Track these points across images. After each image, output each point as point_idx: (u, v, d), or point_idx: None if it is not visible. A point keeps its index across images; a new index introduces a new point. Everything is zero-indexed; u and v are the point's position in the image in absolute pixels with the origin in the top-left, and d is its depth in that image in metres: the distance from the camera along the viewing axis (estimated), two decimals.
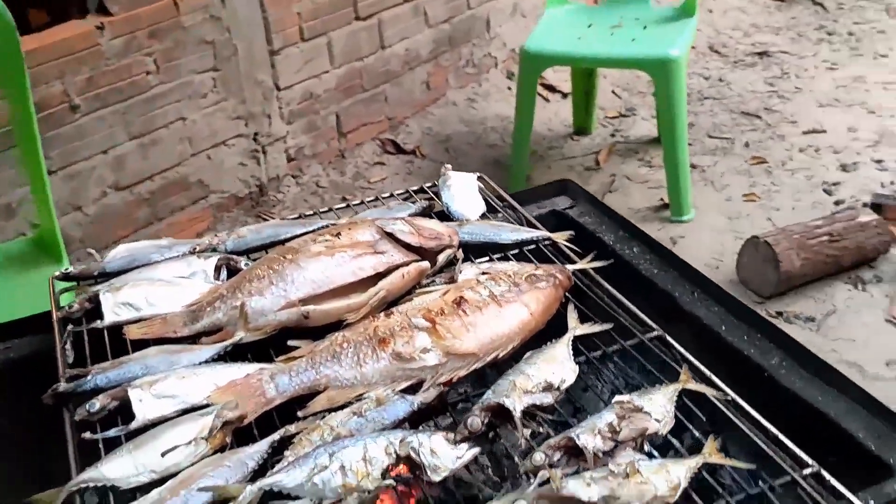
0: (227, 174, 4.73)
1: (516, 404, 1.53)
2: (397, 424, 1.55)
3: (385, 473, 1.44)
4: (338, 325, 1.79)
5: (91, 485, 1.47)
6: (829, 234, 4.09)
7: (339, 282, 1.81)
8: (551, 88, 5.84)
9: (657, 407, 1.51)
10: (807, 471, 1.42)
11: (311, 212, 2.30)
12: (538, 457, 1.44)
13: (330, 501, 1.39)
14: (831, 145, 5.09)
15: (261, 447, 1.51)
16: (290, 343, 1.77)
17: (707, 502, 1.39)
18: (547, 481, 1.40)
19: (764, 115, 5.47)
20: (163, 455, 1.48)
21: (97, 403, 1.60)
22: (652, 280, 2.01)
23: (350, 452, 1.44)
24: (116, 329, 1.85)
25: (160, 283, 1.92)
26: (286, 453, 1.50)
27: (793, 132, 5.27)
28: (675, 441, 1.51)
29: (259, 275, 1.85)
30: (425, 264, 1.89)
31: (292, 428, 1.55)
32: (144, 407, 1.59)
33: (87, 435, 1.58)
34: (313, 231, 2.04)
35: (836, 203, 4.62)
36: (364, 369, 1.65)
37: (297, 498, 1.41)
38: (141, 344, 1.79)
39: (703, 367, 1.63)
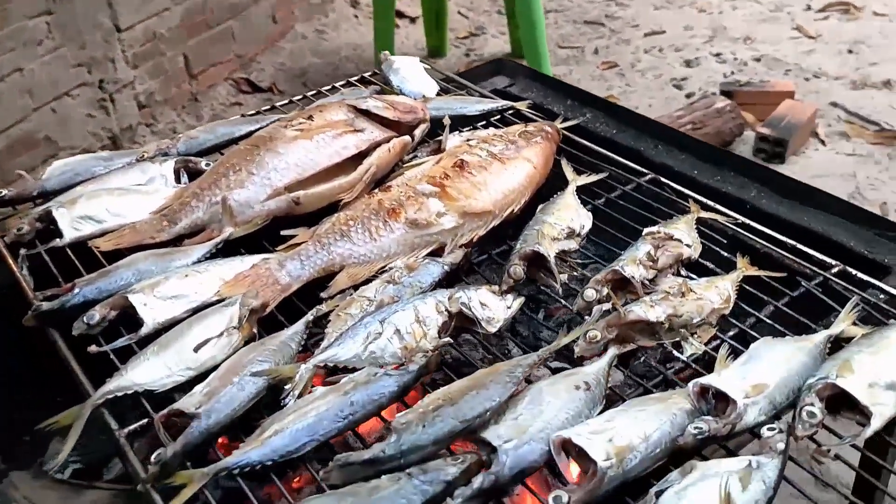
0: (75, 127, 4.35)
1: (549, 251, 1.52)
2: (433, 287, 1.50)
3: (441, 332, 1.39)
4: (330, 209, 1.70)
5: (119, 394, 1.32)
6: (692, 122, 4.31)
7: (324, 164, 1.72)
8: (399, 14, 5.75)
9: (684, 234, 1.54)
10: (833, 270, 1.50)
11: (255, 111, 2.16)
12: (589, 293, 1.43)
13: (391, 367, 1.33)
14: (672, 44, 5.34)
15: (297, 328, 1.42)
16: (284, 233, 1.67)
17: (756, 308, 1.43)
18: (606, 313, 1.40)
19: (606, 23, 5.65)
20: (196, 350, 1.36)
21: (96, 315, 1.44)
22: (614, 140, 2.03)
23: (401, 316, 1.38)
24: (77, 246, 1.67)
25: (119, 193, 1.74)
26: (327, 330, 1.42)
27: (636, 35, 5.48)
28: (707, 263, 1.54)
29: (235, 167, 1.72)
30: (407, 138, 1.82)
31: (323, 307, 1.47)
32: (151, 311, 1.45)
33: (94, 348, 1.42)
34: (271, 123, 1.91)
35: (688, 96, 4.85)
36: (380, 242, 1.58)
37: (353, 369, 1.33)
38: (113, 257, 1.62)
39: (704, 199, 1.68)
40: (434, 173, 1.67)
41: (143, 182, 1.80)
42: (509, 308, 1.44)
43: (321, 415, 1.23)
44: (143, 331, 1.44)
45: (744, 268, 1.50)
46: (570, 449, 1.16)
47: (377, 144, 1.77)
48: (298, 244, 1.60)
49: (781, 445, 1.13)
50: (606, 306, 1.41)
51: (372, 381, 1.27)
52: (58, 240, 1.67)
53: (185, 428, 1.26)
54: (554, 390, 1.24)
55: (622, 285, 1.46)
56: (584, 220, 1.62)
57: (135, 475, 1.22)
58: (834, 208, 1.76)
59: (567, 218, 1.60)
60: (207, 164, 1.85)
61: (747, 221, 1.62)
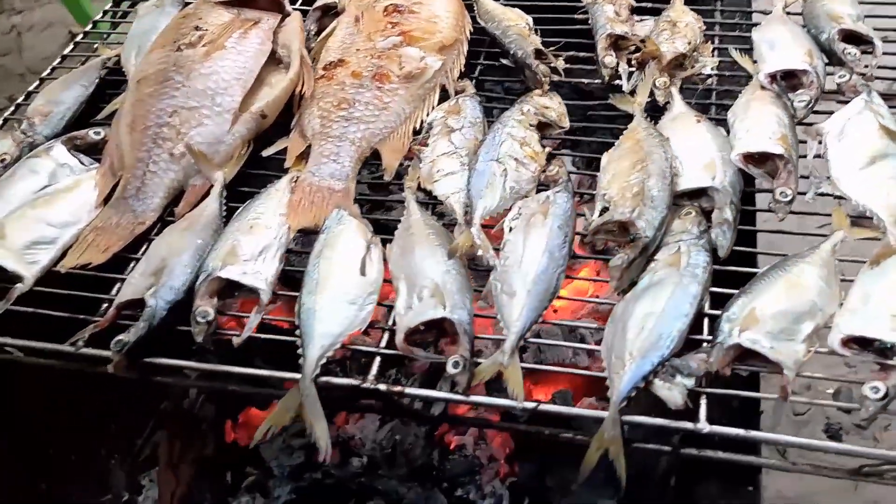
0: None
1: (538, 45, 1.57)
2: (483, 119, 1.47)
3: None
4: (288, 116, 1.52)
5: (330, 353, 1.14)
6: None
7: (257, 68, 1.51)
8: None
9: None
10: None
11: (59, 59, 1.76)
12: (608, 59, 1.54)
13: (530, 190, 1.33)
14: None
15: (416, 209, 1.31)
16: (267, 152, 1.48)
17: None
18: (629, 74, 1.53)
19: None
20: (363, 273, 1.21)
21: (208, 310, 1.19)
22: None
23: (507, 147, 1.36)
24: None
25: (43, 202, 1.36)
26: (440, 194, 1.34)
27: None
28: (645, 4, 1.70)
29: (165, 110, 1.44)
30: (297, 12, 1.66)
31: (411, 183, 1.37)
32: (254, 275, 1.23)
33: (237, 339, 1.18)
34: (150, 56, 1.57)
35: None
36: (391, 108, 1.48)
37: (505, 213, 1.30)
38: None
39: None
40: (378, 28, 1.57)
41: (48, 182, 1.41)
42: (561, 103, 1.49)
43: (547, 248, 1.21)
44: (264, 298, 1.22)
45: None
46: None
47: (277, 29, 1.59)
48: (303, 154, 1.44)
49: (862, 80, 1.40)
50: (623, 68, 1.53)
51: (550, 203, 1.27)
52: (19, 285, 1.27)
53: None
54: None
55: (616, 46, 1.57)
56: (525, 16, 1.66)
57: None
58: None
59: (517, 17, 1.64)
60: (97, 133, 1.50)
61: None
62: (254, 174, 1.45)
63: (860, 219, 1.25)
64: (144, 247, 1.34)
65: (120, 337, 1.17)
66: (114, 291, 1.28)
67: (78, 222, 1.36)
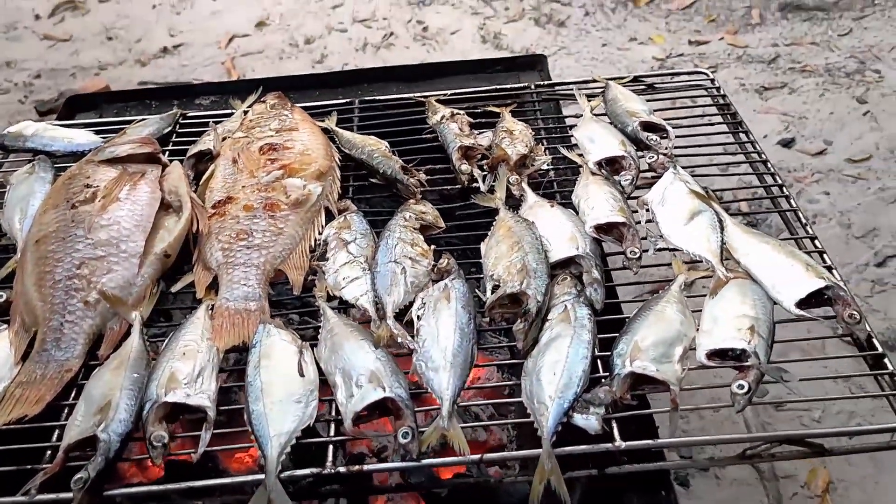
0: None
1: (402, 163, 1.79)
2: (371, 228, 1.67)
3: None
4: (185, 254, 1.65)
5: (288, 450, 1.25)
6: None
7: (153, 212, 1.63)
8: None
9: (446, 112, 1.96)
10: (531, 87, 2.10)
11: None
12: (465, 167, 1.79)
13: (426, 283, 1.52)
14: None
15: (333, 315, 1.46)
16: (176, 289, 1.59)
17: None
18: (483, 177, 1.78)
19: None
20: (302, 375, 1.34)
21: (161, 434, 1.27)
22: None
23: (401, 249, 1.56)
24: None
25: None
26: (351, 297, 1.50)
27: None
28: (481, 120, 1.98)
29: (76, 262, 1.53)
30: (175, 161, 1.80)
31: (321, 293, 1.53)
32: (197, 396, 1.32)
33: (195, 455, 1.27)
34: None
35: None
36: (286, 232, 1.63)
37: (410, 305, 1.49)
38: None
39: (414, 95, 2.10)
40: (258, 165, 1.74)
41: None
42: (433, 207, 1.71)
43: (457, 326, 1.39)
44: (211, 414, 1.32)
45: (500, 111, 1.99)
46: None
47: (161, 177, 1.73)
48: (211, 284, 1.57)
49: (668, 161, 1.74)
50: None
51: (450, 289, 1.46)
52: None
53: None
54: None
55: (466, 156, 1.83)
56: (382, 141, 1.89)
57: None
58: (450, 69, 2.34)
59: (375, 142, 1.87)
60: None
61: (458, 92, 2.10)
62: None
63: (693, 263, 1.55)
64: (74, 392, 1.41)
65: (79, 475, 1.22)
66: (54, 438, 1.33)
67: (1, 381, 1.40)
